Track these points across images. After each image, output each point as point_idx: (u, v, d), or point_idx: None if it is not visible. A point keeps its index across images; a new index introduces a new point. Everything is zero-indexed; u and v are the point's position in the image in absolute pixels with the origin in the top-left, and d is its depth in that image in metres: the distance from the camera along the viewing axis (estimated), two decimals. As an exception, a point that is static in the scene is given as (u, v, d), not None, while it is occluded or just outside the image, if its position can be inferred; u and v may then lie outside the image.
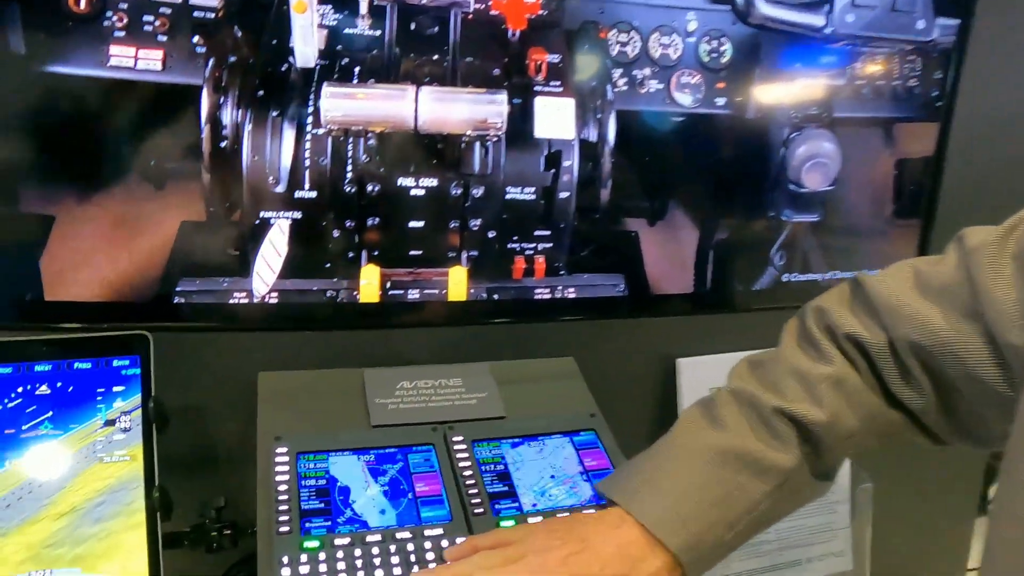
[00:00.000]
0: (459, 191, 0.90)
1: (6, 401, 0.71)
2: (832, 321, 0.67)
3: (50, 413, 0.72)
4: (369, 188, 0.87)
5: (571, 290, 0.98)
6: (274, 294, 0.88)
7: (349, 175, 0.86)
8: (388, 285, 0.91)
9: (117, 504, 0.71)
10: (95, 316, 0.82)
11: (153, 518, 0.71)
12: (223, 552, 0.80)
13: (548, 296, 0.97)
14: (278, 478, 0.74)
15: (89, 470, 0.71)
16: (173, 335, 0.83)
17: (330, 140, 0.85)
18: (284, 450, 0.77)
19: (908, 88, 1.06)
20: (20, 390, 0.72)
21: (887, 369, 0.65)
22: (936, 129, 1.10)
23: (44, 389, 0.73)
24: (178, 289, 0.85)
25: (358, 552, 0.69)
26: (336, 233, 0.88)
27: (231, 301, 0.86)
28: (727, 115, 0.99)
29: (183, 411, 0.85)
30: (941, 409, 0.64)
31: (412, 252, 0.91)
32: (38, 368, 0.73)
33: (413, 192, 0.88)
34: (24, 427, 0.71)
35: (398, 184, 0.88)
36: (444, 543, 0.71)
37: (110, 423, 0.73)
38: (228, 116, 0.82)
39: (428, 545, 0.71)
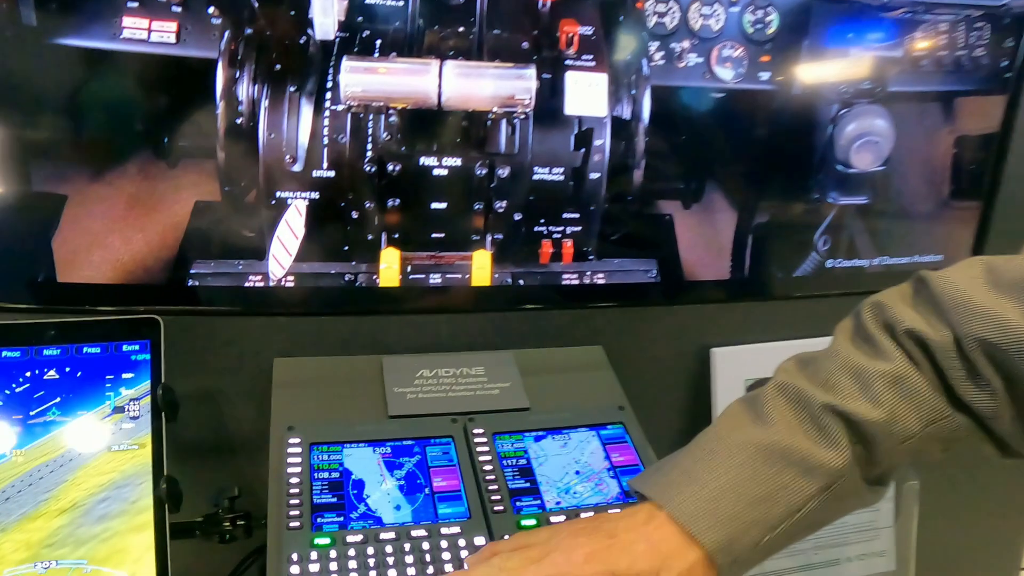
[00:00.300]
0: (484, 171, 0.86)
1: (14, 386, 0.70)
2: (891, 317, 0.62)
3: (58, 399, 0.70)
4: (390, 167, 0.83)
5: (600, 276, 0.94)
6: (290, 277, 0.85)
7: (369, 154, 0.83)
8: (409, 269, 0.88)
9: (121, 501, 0.68)
10: (108, 299, 0.80)
11: (161, 511, 0.68)
12: (237, 543, 0.78)
13: (576, 282, 0.93)
14: (290, 470, 0.72)
15: (95, 460, 0.69)
16: (187, 319, 0.82)
17: (349, 117, 0.81)
18: (297, 441, 0.74)
19: (974, 59, 0.98)
20: (28, 375, 0.70)
21: (952, 369, 0.59)
22: (1003, 102, 1.02)
23: (52, 374, 0.71)
24: (192, 271, 0.82)
25: (371, 550, 0.66)
26: (355, 214, 0.85)
27: (246, 284, 0.84)
28: (771, 91, 0.93)
29: (197, 397, 0.83)
30: (1015, 415, 0.59)
31: (434, 235, 0.87)
32: (47, 352, 0.71)
33: (436, 172, 0.85)
34: (32, 413, 0.69)
35: (420, 163, 0.84)
36: (461, 542, 0.68)
37: (119, 410, 0.71)
38: (244, 91, 0.79)
39: (444, 544, 0.68)
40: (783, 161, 0.97)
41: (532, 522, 0.72)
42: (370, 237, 0.86)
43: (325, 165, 0.82)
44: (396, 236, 0.86)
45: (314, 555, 0.65)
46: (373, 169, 0.83)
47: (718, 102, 0.92)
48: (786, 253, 1.01)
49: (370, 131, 0.82)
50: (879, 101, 0.96)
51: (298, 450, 0.73)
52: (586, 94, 0.87)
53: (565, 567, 0.58)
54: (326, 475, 0.72)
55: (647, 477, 0.66)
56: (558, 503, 0.74)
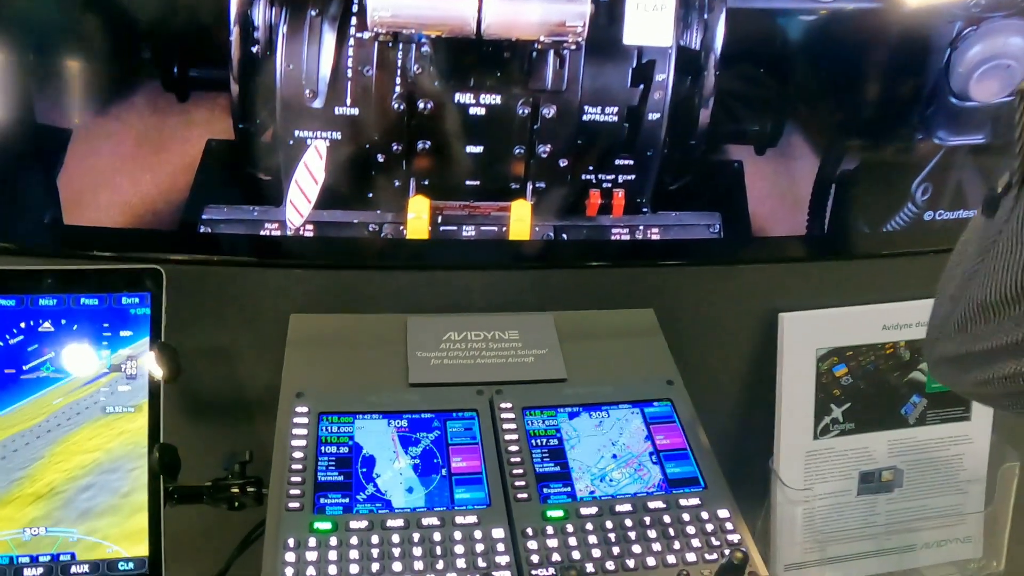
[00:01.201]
0: (527, 110, 0.79)
1: (7, 337, 0.66)
2: None
3: (52, 354, 0.67)
4: (420, 105, 0.78)
5: (655, 231, 0.87)
6: (309, 226, 0.81)
7: (398, 89, 0.77)
8: (439, 220, 0.83)
9: (110, 493, 0.63)
10: (115, 244, 0.77)
11: (156, 482, 0.64)
12: (247, 511, 0.74)
13: (627, 237, 0.87)
14: (294, 443, 0.68)
15: (80, 431, 0.65)
16: (198, 269, 0.79)
17: (376, 46, 0.76)
18: (305, 410, 0.70)
19: None
20: (23, 325, 0.67)
21: None
22: None
23: (47, 326, 0.67)
24: (204, 217, 0.79)
25: (375, 539, 0.61)
26: (381, 158, 0.80)
27: (262, 233, 0.81)
28: (876, 9, 0.82)
29: (208, 353, 0.80)
30: None
31: (468, 182, 0.82)
32: (42, 302, 0.68)
33: (472, 111, 0.79)
34: (25, 368, 0.66)
35: (455, 101, 0.79)
36: (478, 534, 0.63)
37: (116, 369, 0.67)
38: (260, 15, 0.74)
39: (459, 535, 0.63)
40: (882, 95, 0.88)
41: (559, 513, 0.66)
42: (397, 183, 0.81)
43: (349, 101, 0.77)
44: (426, 183, 0.82)
45: (312, 541, 0.61)
46: (402, 107, 0.78)
47: (808, 26, 0.83)
48: (876, 204, 0.93)
49: (399, 63, 0.77)
50: (1020, 14, 0.83)
51: (305, 420, 0.69)
52: (649, 20, 0.79)
53: None
54: (334, 449, 0.68)
55: None
56: (591, 492, 0.68)
